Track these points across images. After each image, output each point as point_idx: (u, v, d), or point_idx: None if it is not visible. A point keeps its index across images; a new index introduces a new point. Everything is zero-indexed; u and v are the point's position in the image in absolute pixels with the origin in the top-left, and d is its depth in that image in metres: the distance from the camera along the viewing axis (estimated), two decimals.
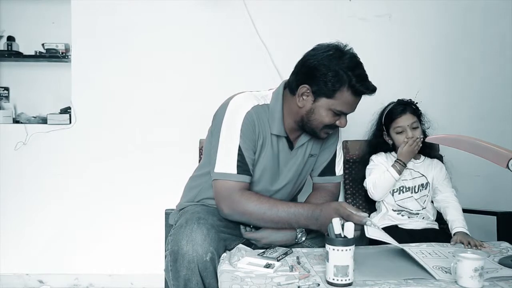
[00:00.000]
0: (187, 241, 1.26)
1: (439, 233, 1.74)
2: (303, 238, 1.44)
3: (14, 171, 2.36)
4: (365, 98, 1.42)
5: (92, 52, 2.33)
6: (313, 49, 1.43)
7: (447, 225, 1.67)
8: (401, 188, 1.80)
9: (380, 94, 1.42)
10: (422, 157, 1.86)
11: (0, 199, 2.35)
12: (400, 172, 1.74)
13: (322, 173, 1.63)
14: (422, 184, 1.80)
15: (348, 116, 1.45)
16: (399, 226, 1.76)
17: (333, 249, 1.08)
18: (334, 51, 1.38)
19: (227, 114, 1.44)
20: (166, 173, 2.32)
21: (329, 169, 1.63)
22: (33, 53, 2.43)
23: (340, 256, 1.08)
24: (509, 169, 1.18)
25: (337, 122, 1.43)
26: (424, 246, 1.41)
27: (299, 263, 1.25)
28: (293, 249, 1.37)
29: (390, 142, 1.85)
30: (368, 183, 1.81)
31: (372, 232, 1.23)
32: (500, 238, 1.73)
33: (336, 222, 1.13)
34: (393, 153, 1.84)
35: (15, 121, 2.42)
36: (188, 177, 1.67)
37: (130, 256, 2.37)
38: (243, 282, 1.10)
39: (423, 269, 1.19)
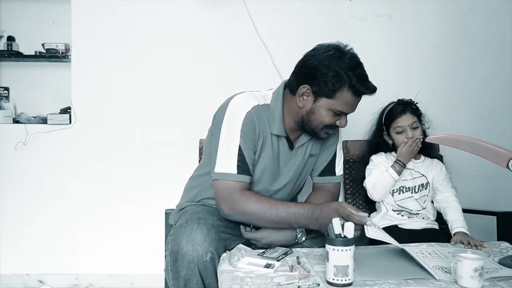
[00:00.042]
0: (187, 241, 1.26)
1: (439, 233, 1.74)
2: (303, 238, 1.44)
3: (14, 171, 2.36)
4: (365, 98, 1.42)
5: (92, 52, 2.33)
6: (314, 49, 1.43)
7: (447, 225, 1.67)
8: (401, 188, 1.80)
9: (380, 94, 1.42)
10: (422, 157, 1.86)
11: (0, 199, 2.36)
12: (399, 173, 1.74)
13: (322, 173, 1.63)
14: (422, 184, 1.80)
15: (348, 116, 1.45)
16: (399, 226, 1.76)
17: (333, 249, 1.08)
18: (335, 51, 1.38)
19: (227, 114, 1.44)
20: (166, 173, 2.32)
21: (329, 169, 1.63)
22: (33, 53, 2.43)
23: (340, 256, 1.08)
24: (509, 169, 1.18)
25: (337, 122, 1.43)
26: (424, 246, 1.41)
27: (299, 263, 1.25)
28: (293, 249, 1.37)
29: (390, 142, 1.85)
30: (368, 184, 1.81)
31: (372, 232, 1.23)
32: (500, 238, 1.73)
33: (336, 222, 1.13)
34: (393, 153, 1.84)
35: (15, 121, 2.42)
36: (188, 177, 1.67)
37: (130, 256, 2.37)
38: (243, 282, 1.10)
39: (423, 269, 1.19)
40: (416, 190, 1.80)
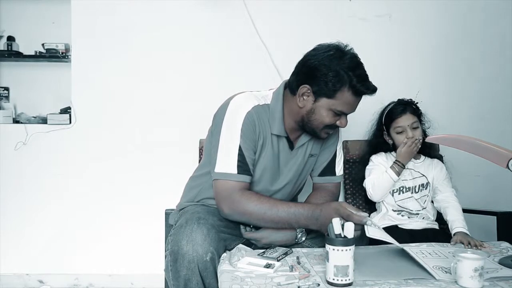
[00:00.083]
0: (187, 241, 1.26)
1: (439, 233, 1.74)
2: (303, 238, 1.44)
3: (14, 171, 2.36)
4: (365, 98, 1.42)
5: (92, 52, 2.33)
6: (314, 49, 1.43)
7: (447, 225, 1.67)
8: (401, 189, 1.80)
9: (380, 94, 1.42)
10: (422, 157, 1.86)
11: (0, 199, 2.36)
12: (398, 174, 1.74)
13: (322, 173, 1.63)
14: (423, 184, 1.80)
15: (348, 116, 1.45)
16: (399, 226, 1.76)
17: (333, 249, 1.08)
18: (335, 51, 1.38)
19: (228, 114, 1.44)
20: (166, 173, 2.32)
21: (329, 169, 1.63)
22: (33, 53, 2.43)
23: (340, 256, 1.08)
24: (509, 169, 1.18)
25: (338, 122, 1.43)
26: (424, 246, 1.41)
27: (299, 263, 1.25)
28: (293, 249, 1.37)
29: (390, 142, 1.85)
30: (367, 184, 1.81)
31: (372, 232, 1.23)
32: (500, 238, 1.73)
33: (336, 222, 1.13)
34: (393, 153, 1.84)
35: (15, 121, 2.42)
36: (188, 177, 1.67)
37: (130, 256, 2.37)
38: (243, 282, 1.10)
39: (423, 269, 1.19)
40: (417, 190, 1.80)
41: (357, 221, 1.22)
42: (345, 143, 2.09)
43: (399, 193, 1.80)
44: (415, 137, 1.75)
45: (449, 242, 1.52)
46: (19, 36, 2.48)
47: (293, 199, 1.67)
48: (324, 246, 1.12)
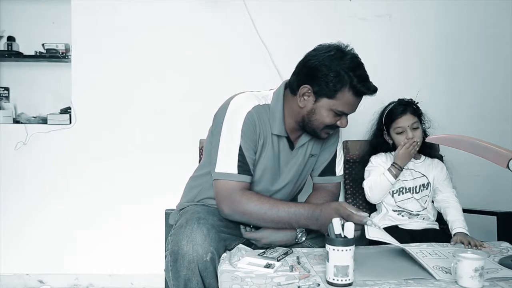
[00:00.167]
0: (187, 241, 1.26)
1: (439, 233, 1.74)
2: (303, 238, 1.44)
3: (14, 171, 2.36)
4: (365, 98, 1.42)
5: (92, 52, 2.33)
6: (314, 50, 1.43)
7: (447, 225, 1.67)
8: (401, 189, 1.80)
9: (380, 94, 1.42)
10: (423, 157, 1.86)
11: (0, 199, 2.35)
12: (396, 177, 1.74)
13: (323, 173, 1.63)
14: (423, 184, 1.80)
15: (348, 116, 1.45)
16: (400, 226, 1.76)
17: (333, 249, 1.08)
18: (335, 51, 1.38)
19: (228, 114, 1.44)
20: (166, 173, 2.32)
21: (330, 169, 1.63)
22: (33, 53, 2.43)
23: (340, 256, 1.08)
24: (509, 169, 1.18)
25: (338, 123, 1.43)
26: (424, 246, 1.41)
27: (299, 263, 1.25)
28: (293, 249, 1.37)
29: (391, 141, 1.85)
30: (365, 186, 1.81)
31: (372, 233, 1.22)
32: (500, 238, 1.73)
33: (336, 222, 1.13)
34: (393, 153, 1.84)
35: (15, 121, 2.42)
36: (188, 177, 1.67)
37: (130, 256, 2.37)
38: (243, 282, 1.10)
39: (423, 269, 1.19)
40: (417, 191, 1.80)
41: (357, 221, 1.22)
42: (345, 143, 2.09)
43: (399, 194, 1.80)
44: (414, 138, 1.75)
45: (449, 242, 1.52)
46: (19, 36, 2.49)
47: (293, 199, 1.67)
48: (324, 246, 1.12)
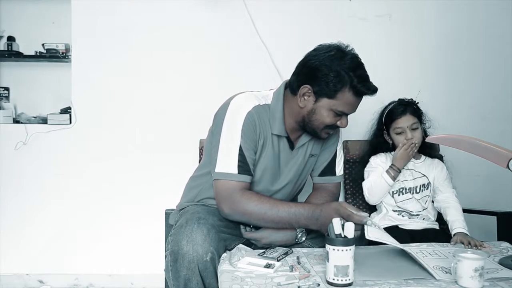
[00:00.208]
0: (187, 241, 1.26)
1: (439, 233, 1.74)
2: (303, 238, 1.44)
3: (14, 171, 2.36)
4: (365, 98, 1.42)
5: (92, 52, 2.33)
6: (315, 50, 1.43)
7: (447, 225, 1.67)
8: (401, 190, 1.80)
9: (380, 94, 1.42)
10: (423, 157, 1.86)
11: (0, 199, 2.35)
12: (394, 178, 1.74)
13: (323, 173, 1.63)
14: (424, 184, 1.80)
15: (348, 116, 1.45)
16: (400, 226, 1.76)
17: (333, 249, 1.08)
18: (336, 51, 1.38)
19: (228, 114, 1.44)
20: (166, 173, 2.32)
21: (330, 169, 1.63)
22: (33, 53, 2.43)
23: (340, 256, 1.08)
24: (509, 169, 1.18)
25: (338, 123, 1.43)
26: (424, 246, 1.41)
27: (299, 263, 1.25)
28: (293, 249, 1.37)
29: (391, 141, 1.85)
30: (364, 187, 1.81)
31: (372, 234, 1.22)
32: (500, 238, 1.73)
33: (336, 222, 1.13)
34: (393, 153, 1.84)
35: (15, 121, 2.42)
36: (188, 177, 1.67)
37: (130, 256, 2.36)
38: (243, 282, 1.10)
39: (423, 269, 1.19)
40: (418, 191, 1.80)
41: (357, 221, 1.22)
42: (345, 143, 2.09)
43: (399, 194, 1.80)
44: (413, 139, 1.74)
45: (449, 242, 1.52)
46: (19, 36, 2.49)
47: (293, 199, 1.67)
48: (324, 246, 1.12)
